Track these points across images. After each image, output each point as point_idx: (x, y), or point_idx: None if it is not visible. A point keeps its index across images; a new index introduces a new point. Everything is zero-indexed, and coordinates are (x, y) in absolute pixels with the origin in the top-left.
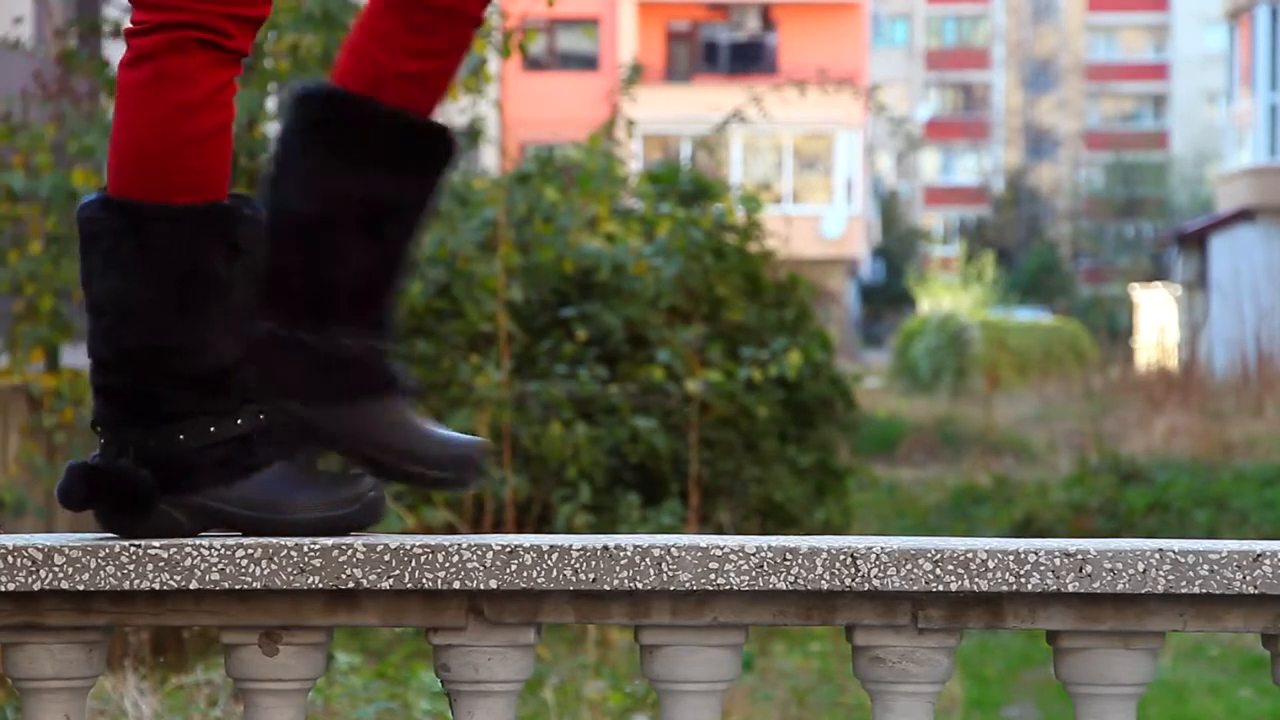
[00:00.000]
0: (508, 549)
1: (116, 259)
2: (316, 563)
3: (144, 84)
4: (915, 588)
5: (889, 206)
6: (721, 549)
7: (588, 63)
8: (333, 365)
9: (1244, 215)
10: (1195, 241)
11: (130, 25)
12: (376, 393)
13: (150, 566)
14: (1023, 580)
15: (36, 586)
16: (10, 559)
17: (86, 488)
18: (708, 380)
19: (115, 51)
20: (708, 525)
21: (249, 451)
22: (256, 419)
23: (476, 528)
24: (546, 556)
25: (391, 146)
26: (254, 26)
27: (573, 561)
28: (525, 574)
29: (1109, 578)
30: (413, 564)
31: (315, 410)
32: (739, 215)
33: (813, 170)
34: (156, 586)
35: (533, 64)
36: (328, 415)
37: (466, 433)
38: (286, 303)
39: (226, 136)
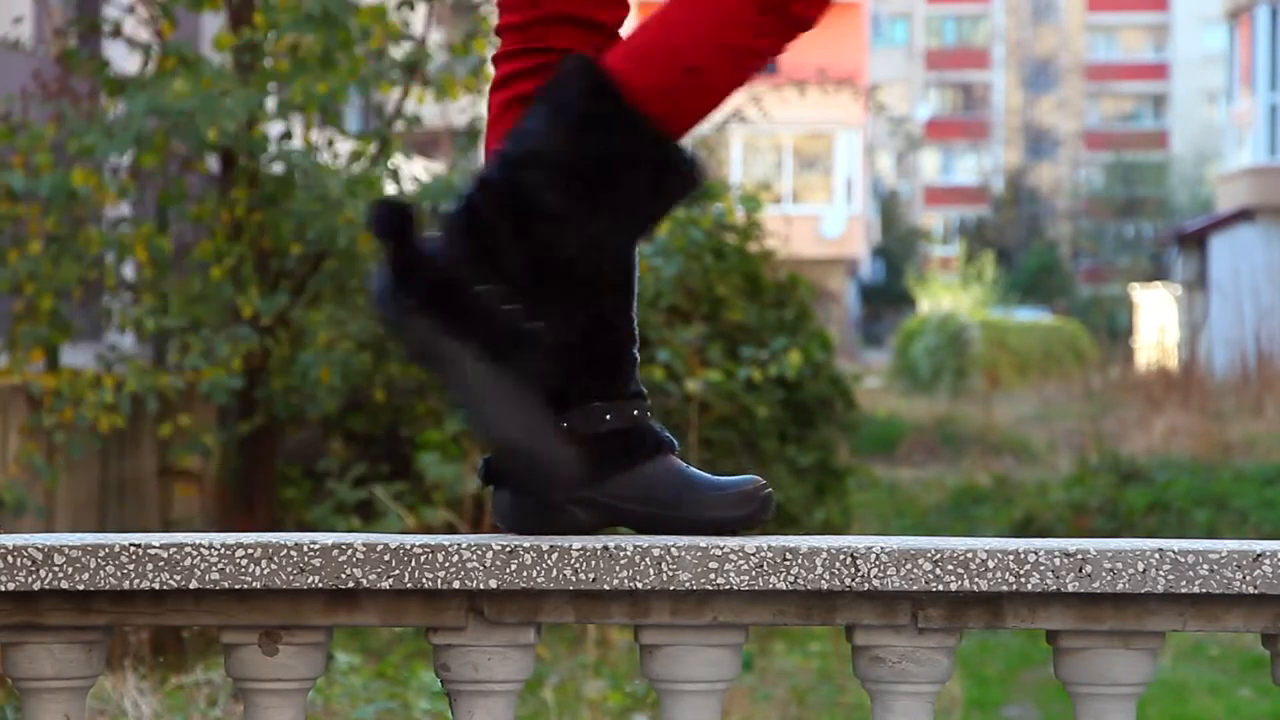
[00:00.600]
0: (508, 549)
1: (566, 114)
2: (316, 562)
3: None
4: (915, 588)
5: (889, 206)
6: (721, 549)
7: None
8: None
9: (1244, 215)
10: (1195, 241)
11: None
12: (651, 454)
13: (150, 566)
14: (1022, 580)
15: (36, 586)
16: (10, 559)
17: (436, 283)
18: (708, 380)
19: (115, 51)
20: None
21: (641, 444)
22: (646, 413)
23: (476, 528)
24: (546, 556)
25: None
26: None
27: (573, 561)
28: (525, 574)
29: (1109, 578)
30: (413, 564)
31: (606, 487)
32: (739, 215)
33: (813, 170)
34: (156, 586)
35: None
36: (615, 487)
37: (466, 433)
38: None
39: (724, 98)
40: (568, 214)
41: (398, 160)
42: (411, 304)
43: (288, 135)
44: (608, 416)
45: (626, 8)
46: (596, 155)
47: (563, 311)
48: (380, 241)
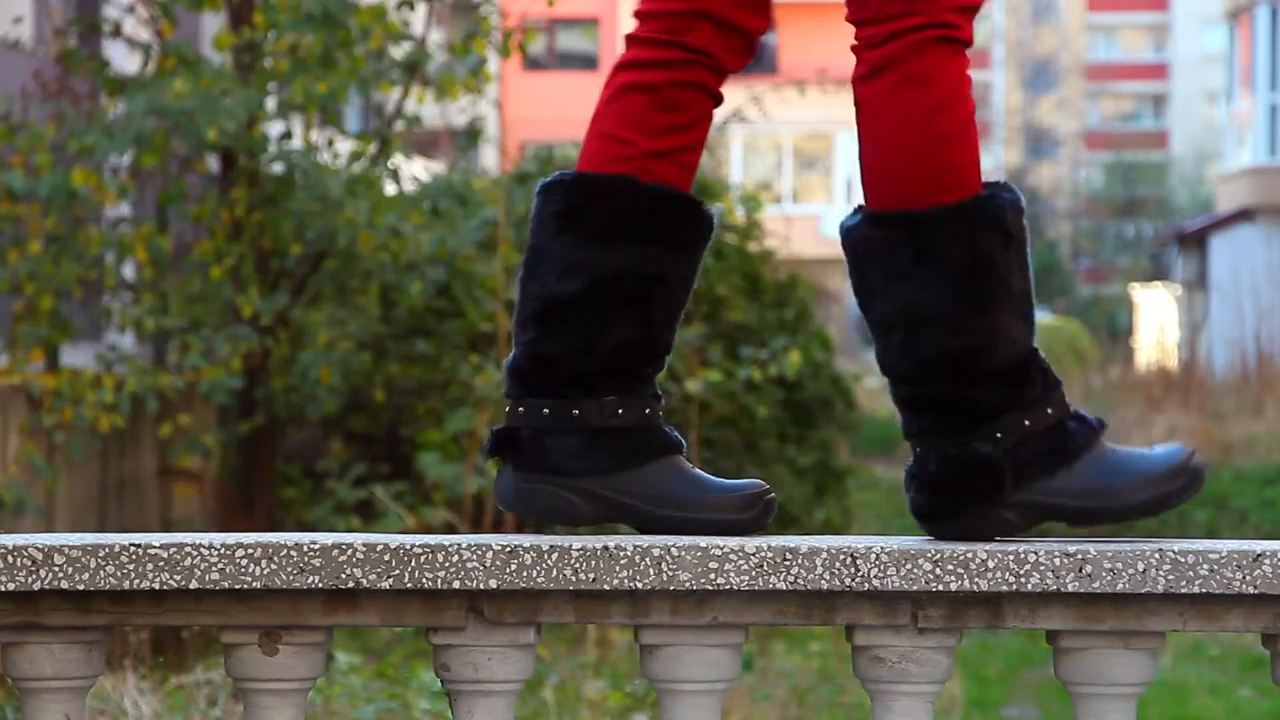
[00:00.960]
0: (507, 549)
1: (897, 272)
2: (316, 562)
3: (889, 93)
4: (915, 588)
5: None
6: (721, 549)
7: (588, 63)
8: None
9: (1244, 215)
10: (1195, 241)
11: (858, 40)
12: (659, 454)
13: (150, 566)
14: (1022, 580)
15: (36, 586)
16: (10, 559)
17: (948, 491)
18: (708, 380)
19: (115, 51)
20: None
21: (1066, 438)
22: (1065, 405)
23: (476, 528)
24: (546, 556)
25: (648, 222)
26: (974, 13)
27: (573, 561)
28: (525, 574)
29: (1109, 578)
30: (413, 564)
31: (611, 481)
32: (739, 215)
33: (813, 170)
34: (156, 586)
35: (533, 64)
36: (621, 482)
37: (466, 432)
38: (555, 381)
39: (974, 126)
40: (983, 335)
41: (398, 160)
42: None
43: (288, 135)
44: (620, 411)
45: (769, 19)
46: (949, 272)
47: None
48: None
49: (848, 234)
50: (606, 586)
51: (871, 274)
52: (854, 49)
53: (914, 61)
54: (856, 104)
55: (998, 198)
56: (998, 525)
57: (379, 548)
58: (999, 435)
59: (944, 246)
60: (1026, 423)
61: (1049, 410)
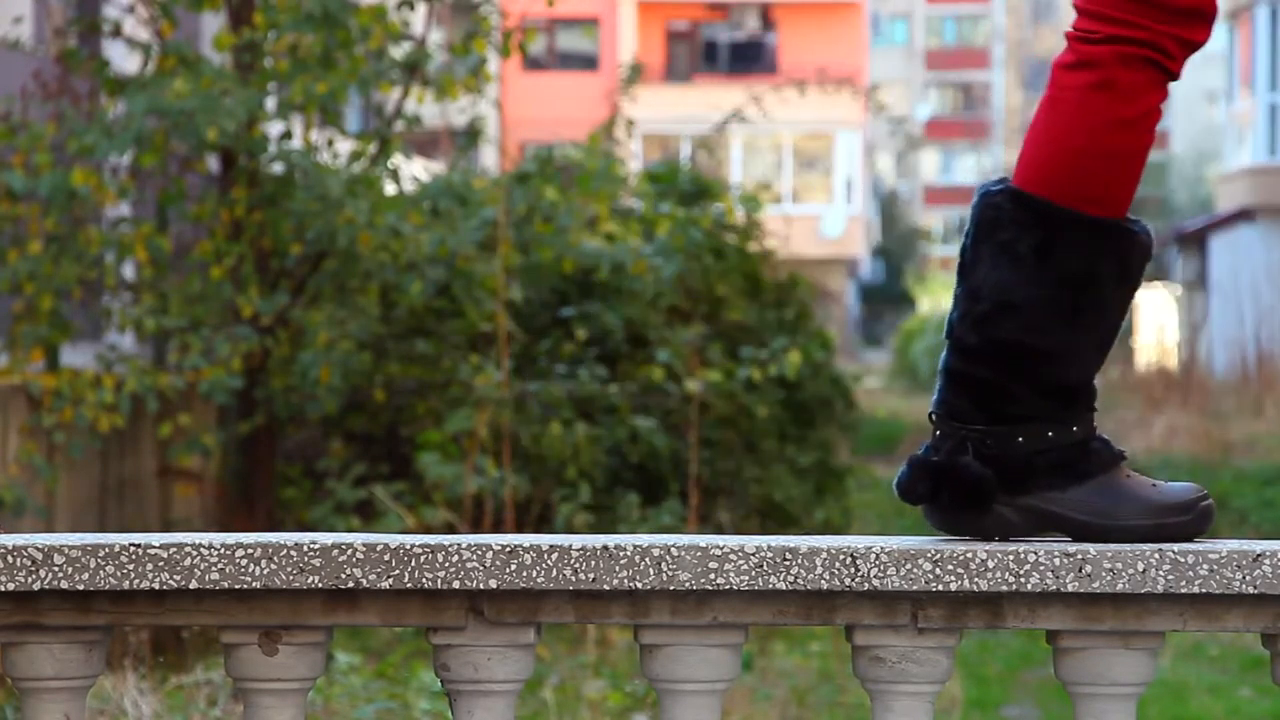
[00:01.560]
0: (507, 549)
1: (1012, 253)
2: (316, 562)
3: (1083, 89)
4: (915, 588)
5: (889, 206)
6: (721, 549)
7: (588, 63)
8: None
9: (1244, 215)
10: (1195, 241)
11: (1075, 30)
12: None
13: (150, 566)
14: (1022, 580)
15: (36, 586)
16: (10, 559)
17: (930, 483)
18: (707, 380)
19: (115, 51)
20: (707, 525)
21: (1085, 457)
22: (1092, 427)
23: (476, 528)
24: (546, 556)
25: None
26: (1192, 50)
27: (572, 561)
28: (525, 574)
29: (1109, 578)
30: (413, 564)
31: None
32: (739, 215)
33: (812, 170)
34: (156, 586)
35: (533, 64)
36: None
37: (466, 433)
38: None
39: (1143, 160)
40: (1060, 345)
41: (397, 160)
42: (952, 510)
43: (288, 135)
44: (1050, 434)
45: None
46: (1060, 275)
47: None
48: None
49: (984, 197)
50: (606, 586)
51: (988, 244)
52: (1068, 35)
53: (1117, 71)
54: (1050, 84)
55: (1132, 235)
56: (997, 524)
57: (379, 548)
58: (1020, 440)
59: (1066, 252)
60: (1050, 434)
61: (1075, 429)
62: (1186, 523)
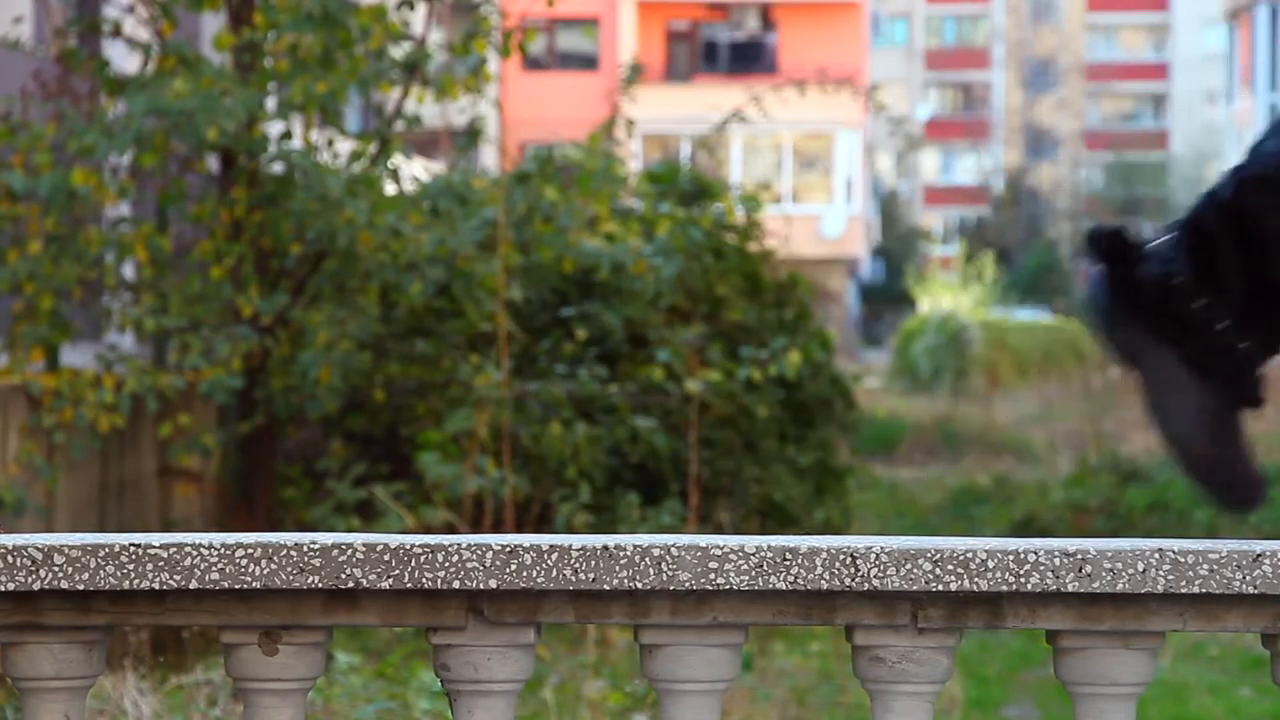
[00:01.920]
0: (507, 549)
1: None
2: (316, 562)
3: None
4: (915, 588)
5: (889, 206)
6: (721, 549)
7: (588, 63)
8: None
9: None
10: None
11: None
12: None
13: (150, 566)
14: (1022, 580)
15: (36, 586)
16: (10, 559)
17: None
18: (707, 380)
19: (115, 51)
20: (707, 525)
21: (1226, 365)
22: (1254, 359)
23: (476, 527)
24: (546, 556)
25: None
26: None
27: (572, 561)
28: (525, 574)
29: (1109, 577)
30: (413, 564)
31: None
32: (739, 215)
33: (812, 170)
34: (156, 586)
35: (533, 64)
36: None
37: (466, 433)
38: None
39: None
40: None
41: (397, 160)
42: (1131, 316)
43: (288, 135)
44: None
45: None
46: None
47: (1269, 326)
48: (1098, 263)
49: None
50: (606, 586)
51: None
52: None
53: None
54: None
55: None
56: (1129, 337)
57: (379, 548)
58: (1218, 327)
59: None
60: (1240, 346)
61: (1243, 344)
62: (1226, 480)
